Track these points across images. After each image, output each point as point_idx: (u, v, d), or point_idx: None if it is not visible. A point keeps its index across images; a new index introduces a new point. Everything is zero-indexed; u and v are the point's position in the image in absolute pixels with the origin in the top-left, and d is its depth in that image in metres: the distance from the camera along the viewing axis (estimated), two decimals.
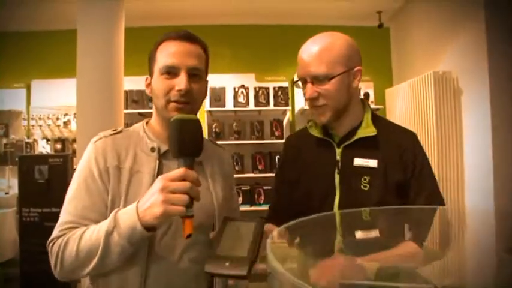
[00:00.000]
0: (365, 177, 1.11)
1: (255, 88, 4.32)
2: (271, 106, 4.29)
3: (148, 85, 1.09)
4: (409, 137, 1.19)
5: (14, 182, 4.64)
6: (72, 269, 0.91)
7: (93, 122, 2.97)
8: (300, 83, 1.17)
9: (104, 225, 0.88)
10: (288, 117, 4.46)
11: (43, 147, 4.58)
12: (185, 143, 0.86)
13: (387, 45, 4.87)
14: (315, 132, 1.20)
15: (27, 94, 4.68)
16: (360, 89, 4.45)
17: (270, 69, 4.53)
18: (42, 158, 3.36)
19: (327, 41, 1.12)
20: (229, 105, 4.29)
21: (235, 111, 4.32)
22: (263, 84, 4.39)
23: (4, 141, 4.61)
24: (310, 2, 4.18)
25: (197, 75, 1.03)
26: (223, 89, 4.30)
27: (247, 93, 4.29)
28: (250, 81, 4.46)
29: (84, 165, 1.02)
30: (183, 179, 0.83)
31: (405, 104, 4.11)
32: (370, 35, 4.65)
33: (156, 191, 0.82)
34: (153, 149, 1.04)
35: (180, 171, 0.83)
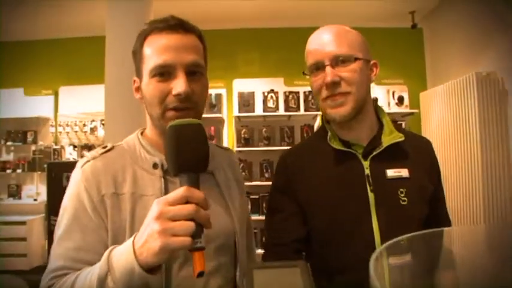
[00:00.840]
0: (401, 189, 0.97)
1: (284, 93, 4.21)
2: (302, 111, 4.17)
3: (137, 89, 0.90)
4: (430, 144, 1.11)
5: (42, 189, 4.65)
6: None
7: (122, 128, 2.91)
8: (309, 72, 1.01)
9: (97, 270, 0.70)
10: (318, 122, 4.32)
11: (70, 154, 4.58)
12: (185, 155, 0.67)
13: (420, 47, 4.68)
14: (336, 144, 1.00)
15: (55, 101, 4.71)
16: (393, 92, 4.16)
17: (299, 73, 4.39)
18: (71, 165, 3.30)
19: (340, 27, 0.99)
20: (259, 110, 4.19)
21: (264, 116, 4.22)
22: (293, 89, 4.27)
23: (33, 147, 4.64)
24: (340, 2, 4.05)
25: (197, 72, 0.85)
26: (252, 94, 4.20)
27: (277, 98, 4.19)
28: (279, 85, 4.35)
29: (72, 197, 0.83)
30: (185, 201, 0.63)
31: (444, 107, 3.91)
32: (403, 36, 4.50)
33: (151, 219, 0.64)
34: (155, 165, 0.86)
35: (180, 191, 0.64)
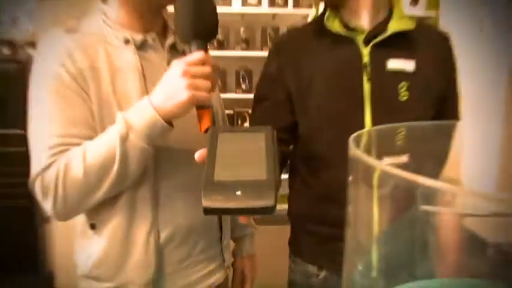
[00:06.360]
0: (403, 83, 0.93)
1: None
2: (290, 8, 3.46)
3: None
4: (449, 39, 1.01)
5: None
6: (81, 196, 0.77)
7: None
8: None
9: (113, 132, 0.75)
10: (312, 15, 3.65)
11: None
12: (202, 22, 0.75)
13: None
14: (335, 26, 0.95)
15: None
16: None
17: None
18: None
19: None
20: (236, 5, 3.46)
21: (243, 14, 3.53)
22: None
23: None
24: None
25: None
26: None
27: None
28: None
29: (45, 74, 0.81)
30: (202, 63, 0.73)
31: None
32: None
33: (178, 76, 0.72)
34: (127, 41, 0.87)
35: (199, 54, 0.73)
